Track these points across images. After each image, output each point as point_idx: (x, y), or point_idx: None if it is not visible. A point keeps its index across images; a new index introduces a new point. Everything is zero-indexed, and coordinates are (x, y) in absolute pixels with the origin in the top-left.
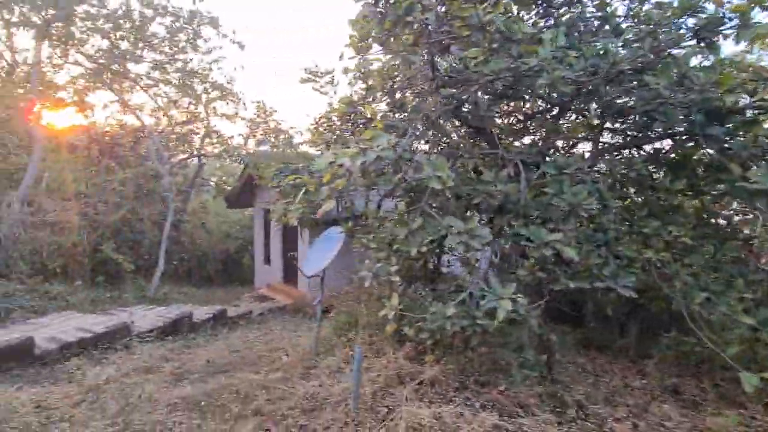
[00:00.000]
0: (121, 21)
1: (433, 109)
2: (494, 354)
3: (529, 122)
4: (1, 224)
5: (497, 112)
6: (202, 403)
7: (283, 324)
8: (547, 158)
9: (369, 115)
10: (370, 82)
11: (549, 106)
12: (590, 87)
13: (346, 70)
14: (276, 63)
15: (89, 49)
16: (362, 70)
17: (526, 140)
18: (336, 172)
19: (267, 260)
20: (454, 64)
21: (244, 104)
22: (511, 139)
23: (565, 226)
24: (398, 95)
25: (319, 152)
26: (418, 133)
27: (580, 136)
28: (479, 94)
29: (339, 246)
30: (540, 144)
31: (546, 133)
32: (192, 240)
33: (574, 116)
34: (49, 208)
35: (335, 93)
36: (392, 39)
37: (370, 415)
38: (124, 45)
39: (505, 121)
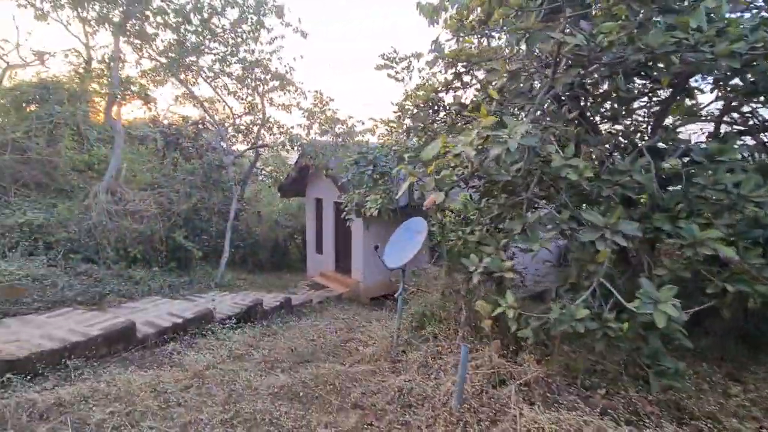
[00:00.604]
0: (191, 14)
1: (552, 93)
2: (595, 356)
3: (625, 106)
4: (91, 213)
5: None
6: (300, 393)
7: (343, 313)
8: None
9: (460, 102)
10: (458, 68)
11: (654, 86)
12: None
13: (436, 57)
14: (330, 52)
15: (159, 44)
16: (458, 53)
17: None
18: (441, 163)
19: (319, 249)
20: (580, 44)
21: (304, 94)
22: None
23: (718, 221)
24: (498, 81)
25: (379, 142)
26: (539, 120)
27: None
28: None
29: (423, 237)
30: (650, 128)
31: (680, 116)
32: (248, 228)
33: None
34: (128, 198)
35: (410, 80)
36: (516, 15)
37: (475, 417)
38: (191, 38)
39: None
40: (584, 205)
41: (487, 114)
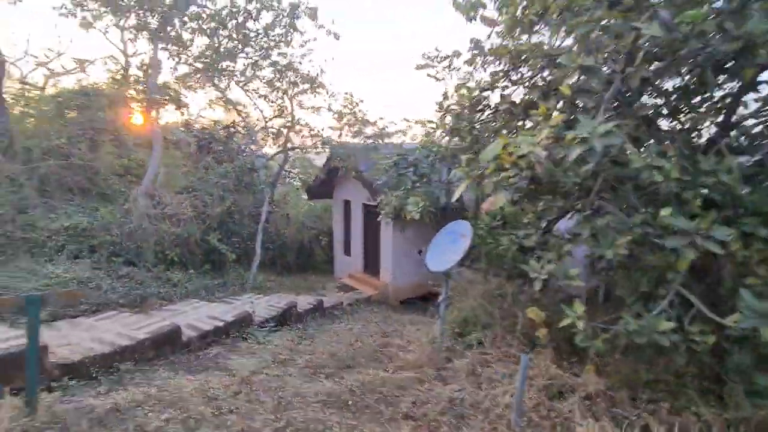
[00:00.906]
0: (227, 19)
1: (625, 89)
2: (659, 368)
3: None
4: (132, 217)
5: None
6: (349, 402)
7: (374, 315)
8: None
9: (511, 101)
10: (505, 65)
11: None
12: None
13: (474, 56)
14: (351, 54)
15: (194, 50)
16: (504, 50)
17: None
18: (500, 163)
19: (347, 251)
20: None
21: (333, 96)
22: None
23: None
24: (569, 76)
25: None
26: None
27: None
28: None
29: (468, 241)
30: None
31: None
32: (277, 230)
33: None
34: (166, 202)
35: (451, 79)
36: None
37: (536, 429)
38: (226, 43)
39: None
40: (649, 208)
41: (547, 112)
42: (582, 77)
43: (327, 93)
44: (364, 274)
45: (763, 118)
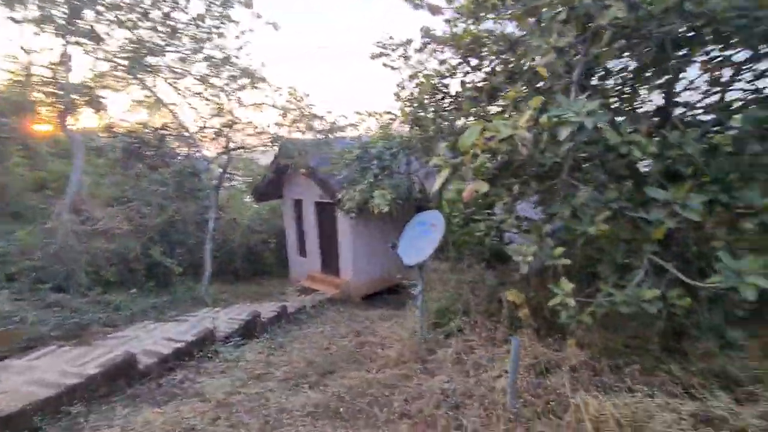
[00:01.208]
0: (150, 9)
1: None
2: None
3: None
4: (56, 236)
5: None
6: (340, 409)
7: (340, 315)
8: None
9: (475, 86)
10: (460, 51)
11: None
12: None
13: (425, 44)
14: (299, 44)
15: (113, 45)
16: (470, 35)
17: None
18: (480, 146)
19: (302, 252)
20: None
21: (277, 91)
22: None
23: None
24: (543, 57)
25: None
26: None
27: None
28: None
29: (441, 231)
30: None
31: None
32: (224, 237)
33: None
34: (96, 216)
35: (405, 67)
36: None
37: (533, 410)
38: (149, 36)
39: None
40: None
41: (516, 96)
42: (546, 59)
43: (270, 88)
44: (323, 274)
45: (705, 94)
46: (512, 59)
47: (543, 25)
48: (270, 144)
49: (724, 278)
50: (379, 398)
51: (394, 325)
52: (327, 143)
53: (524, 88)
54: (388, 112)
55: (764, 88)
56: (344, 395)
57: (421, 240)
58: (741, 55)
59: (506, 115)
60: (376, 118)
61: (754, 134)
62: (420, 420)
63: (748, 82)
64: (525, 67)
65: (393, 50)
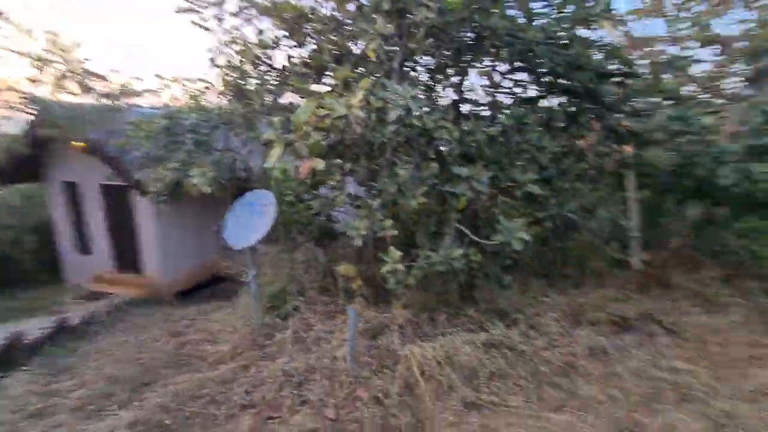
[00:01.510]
0: None
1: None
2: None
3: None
4: None
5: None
6: (167, 421)
7: (150, 318)
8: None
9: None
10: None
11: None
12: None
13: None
14: None
15: None
16: (293, 7)
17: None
18: (312, 123)
19: (84, 248)
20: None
21: (29, 33)
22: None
23: (531, 167)
24: (371, 42)
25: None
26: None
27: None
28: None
29: (273, 211)
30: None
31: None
32: None
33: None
34: None
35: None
36: None
37: (371, 369)
38: None
39: None
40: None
41: (345, 77)
42: (373, 45)
43: (14, 29)
44: (120, 273)
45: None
46: (338, 40)
47: (363, 11)
48: (20, 107)
49: (504, 236)
50: (216, 396)
51: (224, 317)
52: (117, 110)
53: (352, 69)
54: (202, 80)
55: (520, 93)
56: (170, 404)
57: (252, 221)
58: (504, 67)
59: (337, 95)
60: (183, 85)
61: (514, 128)
62: (263, 407)
63: (508, 88)
64: (353, 50)
65: (205, 8)
